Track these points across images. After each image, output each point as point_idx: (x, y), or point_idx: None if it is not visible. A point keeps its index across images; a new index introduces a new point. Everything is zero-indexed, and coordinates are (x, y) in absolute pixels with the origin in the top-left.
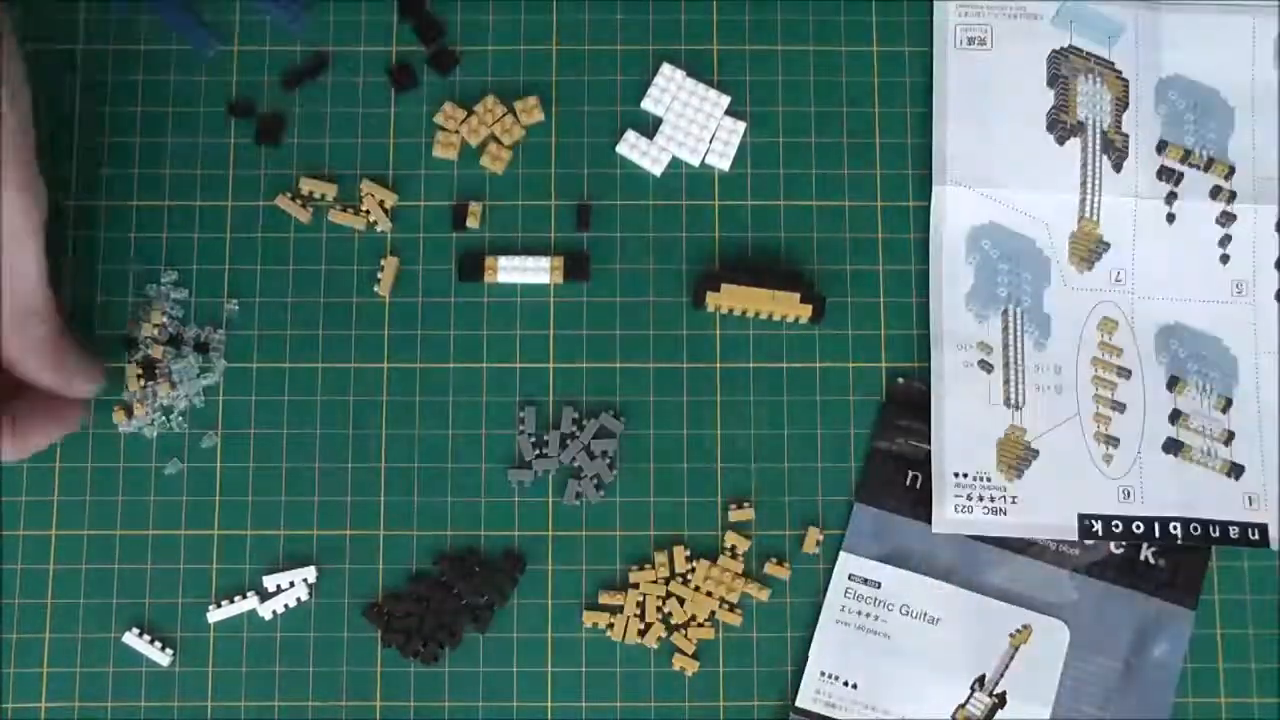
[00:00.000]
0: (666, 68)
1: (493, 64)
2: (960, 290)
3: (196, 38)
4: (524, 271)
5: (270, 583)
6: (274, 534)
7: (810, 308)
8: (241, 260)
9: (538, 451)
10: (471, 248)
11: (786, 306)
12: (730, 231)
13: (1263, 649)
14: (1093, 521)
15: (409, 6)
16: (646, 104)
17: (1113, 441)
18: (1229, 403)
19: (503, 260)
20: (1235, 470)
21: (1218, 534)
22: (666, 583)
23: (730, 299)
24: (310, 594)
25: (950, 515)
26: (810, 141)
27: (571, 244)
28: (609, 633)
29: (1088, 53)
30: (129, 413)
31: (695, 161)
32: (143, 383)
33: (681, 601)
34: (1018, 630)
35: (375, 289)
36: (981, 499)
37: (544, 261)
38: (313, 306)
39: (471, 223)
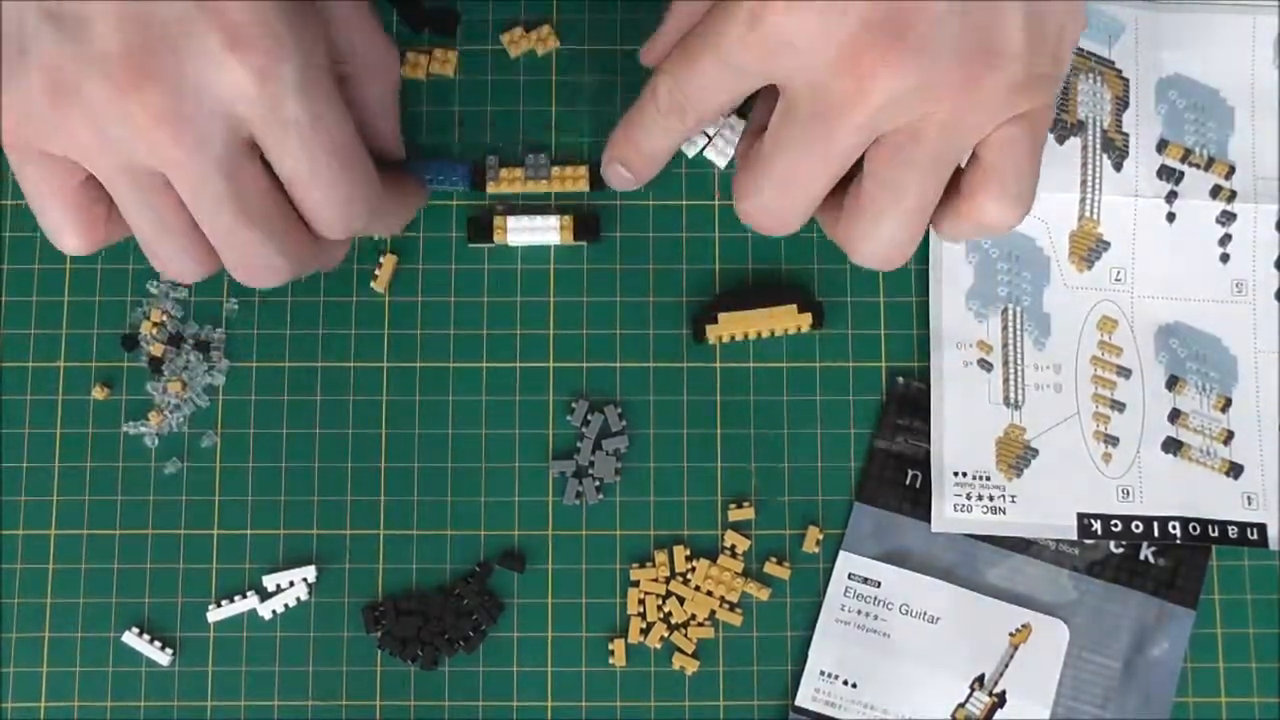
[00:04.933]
0: None
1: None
2: (960, 289)
3: (454, 172)
4: (532, 232)
5: (270, 582)
6: (273, 534)
7: (810, 315)
8: None
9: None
10: (477, 247)
11: (785, 320)
12: (730, 231)
13: (1263, 649)
14: (1092, 521)
15: (407, 7)
16: None
17: (1112, 441)
18: (1228, 402)
19: (511, 221)
20: (1234, 470)
21: (1217, 534)
22: (666, 582)
23: (730, 327)
24: (310, 594)
25: (949, 514)
26: None
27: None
28: (611, 658)
29: (1088, 52)
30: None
31: (691, 153)
32: (161, 385)
33: (681, 601)
34: (1017, 629)
35: (372, 284)
36: (981, 498)
37: (552, 220)
38: (313, 306)
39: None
